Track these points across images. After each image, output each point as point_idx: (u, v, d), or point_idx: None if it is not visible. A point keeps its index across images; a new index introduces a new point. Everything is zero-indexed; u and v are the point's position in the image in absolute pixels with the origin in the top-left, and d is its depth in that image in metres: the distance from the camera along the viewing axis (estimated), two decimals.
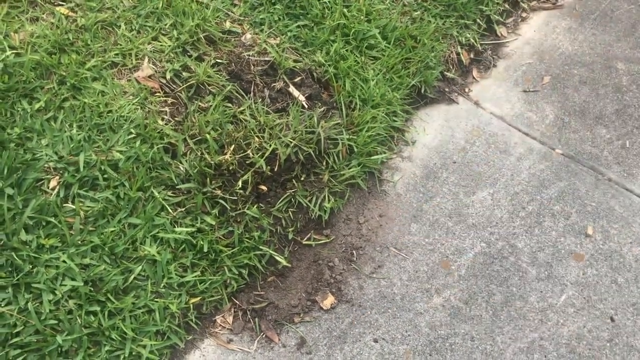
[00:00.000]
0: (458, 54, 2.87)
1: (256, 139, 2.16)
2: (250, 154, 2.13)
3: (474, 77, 2.86)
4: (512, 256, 2.23)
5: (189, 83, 2.28)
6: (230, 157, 2.10)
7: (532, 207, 2.36)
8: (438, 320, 2.06)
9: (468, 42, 2.91)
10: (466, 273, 2.18)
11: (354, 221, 2.29)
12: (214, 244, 2.01)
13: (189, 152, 2.13)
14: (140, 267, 1.89)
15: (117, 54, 2.29)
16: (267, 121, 2.22)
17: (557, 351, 2.01)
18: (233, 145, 2.13)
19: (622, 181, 2.46)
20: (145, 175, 2.02)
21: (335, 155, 2.30)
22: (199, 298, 1.96)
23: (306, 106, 2.37)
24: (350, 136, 2.35)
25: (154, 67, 2.30)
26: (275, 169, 2.17)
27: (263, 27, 2.55)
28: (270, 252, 2.09)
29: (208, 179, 2.08)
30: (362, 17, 2.64)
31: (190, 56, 2.36)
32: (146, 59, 2.31)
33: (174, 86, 2.29)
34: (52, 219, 1.88)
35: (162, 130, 2.13)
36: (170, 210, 2.00)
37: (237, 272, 2.03)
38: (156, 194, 2.01)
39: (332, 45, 2.53)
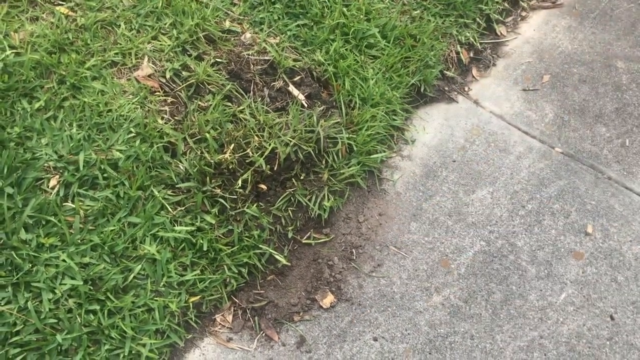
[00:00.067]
0: (458, 52, 2.87)
1: (256, 138, 2.16)
2: (250, 152, 2.13)
3: (473, 76, 2.86)
4: (511, 255, 2.23)
5: (188, 82, 2.29)
6: (229, 156, 2.10)
7: (531, 205, 2.36)
8: (438, 318, 2.06)
9: (468, 41, 2.91)
10: (466, 272, 2.18)
11: (354, 220, 2.29)
12: (213, 242, 2.01)
13: (188, 151, 2.13)
14: (140, 266, 1.90)
15: (116, 53, 2.30)
16: (266, 120, 2.22)
17: (556, 349, 2.01)
18: (233, 144, 2.13)
19: (621, 180, 2.46)
20: (145, 174, 2.03)
21: (335, 154, 2.30)
22: (198, 297, 1.96)
23: (306, 105, 2.38)
24: (350, 135, 2.35)
25: (153, 66, 2.30)
26: (275, 168, 2.17)
27: (263, 26, 2.56)
28: (270, 250, 2.09)
29: (208, 177, 2.08)
30: (361, 16, 2.64)
31: (189, 55, 2.37)
32: (146, 58, 2.31)
33: (174, 85, 2.29)
34: (52, 218, 1.88)
35: (161, 129, 2.14)
36: (170, 209, 2.01)
37: (236, 271, 2.03)
38: (156, 193, 2.01)
39: (331, 44, 2.53)
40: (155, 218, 1.97)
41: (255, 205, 2.12)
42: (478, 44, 2.93)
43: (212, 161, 2.09)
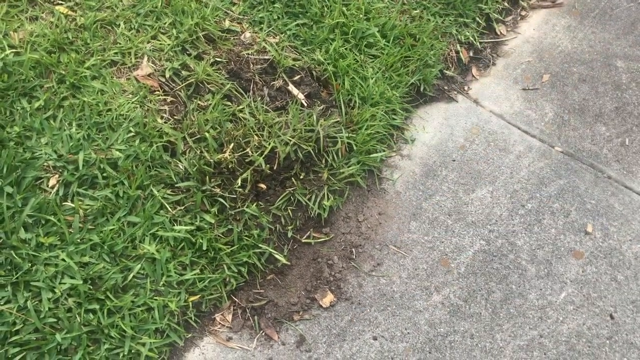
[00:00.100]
0: (457, 52, 2.87)
1: (255, 137, 2.16)
2: (250, 152, 2.13)
3: (473, 76, 2.86)
4: (511, 254, 2.23)
5: (188, 82, 2.29)
6: (229, 155, 2.10)
7: (531, 204, 2.36)
8: (437, 318, 2.06)
9: (467, 41, 2.91)
10: (465, 271, 2.18)
11: (353, 219, 2.29)
12: (213, 242, 2.01)
13: (188, 151, 2.13)
14: (140, 265, 1.90)
15: (116, 53, 2.30)
16: (266, 119, 2.22)
17: (556, 349, 2.01)
18: (232, 144, 2.13)
19: (621, 179, 2.46)
20: (145, 174, 2.02)
21: (335, 153, 2.30)
22: (198, 296, 1.96)
23: (305, 104, 2.37)
24: (350, 134, 2.35)
25: (153, 65, 2.30)
26: (275, 167, 2.17)
27: (262, 25, 2.56)
28: (270, 250, 2.09)
29: (207, 177, 2.08)
30: (361, 16, 2.64)
31: (189, 55, 2.37)
32: (145, 58, 2.31)
33: (173, 85, 2.29)
34: (52, 218, 1.88)
35: (161, 128, 2.14)
36: (169, 209, 2.01)
37: (236, 270, 2.03)
38: (155, 192, 2.01)
39: (331, 44, 2.53)
40: (154, 217, 1.97)
41: (254, 204, 2.12)
42: (478, 43, 2.93)
43: (211, 160, 2.08)
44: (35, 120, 2.04)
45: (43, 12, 2.37)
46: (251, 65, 2.39)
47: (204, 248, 1.98)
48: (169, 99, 2.25)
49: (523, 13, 3.16)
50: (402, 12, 2.79)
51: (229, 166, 2.10)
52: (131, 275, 1.88)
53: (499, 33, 3.03)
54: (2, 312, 1.72)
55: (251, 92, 2.34)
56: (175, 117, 2.21)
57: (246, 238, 2.06)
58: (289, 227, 2.18)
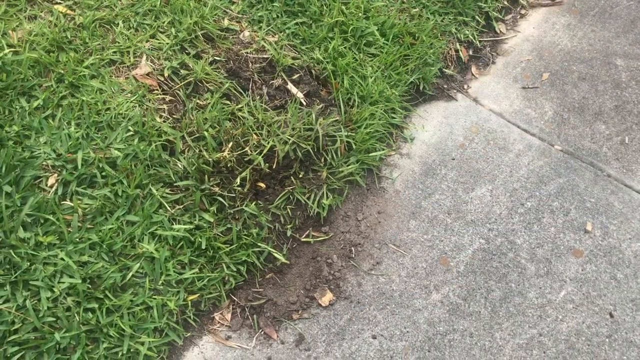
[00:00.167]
0: (457, 50, 2.87)
1: (254, 136, 2.16)
2: (249, 151, 2.13)
3: (472, 74, 2.86)
4: (511, 252, 2.22)
5: (187, 80, 2.29)
6: (228, 154, 2.10)
7: (531, 203, 2.36)
8: (437, 316, 2.06)
9: (467, 39, 2.90)
10: (465, 269, 2.17)
11: (353, 218, 2.29)
12: (212, 241, 2.01)
13: (187, 150, 2.13)
14: (139, 264, 1.89)
15: (115, 52, 2.30)
16: (265, 118, 2.22)
17: (556, 347, 2.00)
18: (231, 143, 2.13)
19: (621, 177, 2.46)
20: (144, 173, 2.02)
21: (334, 152, 2.30)
22: (197, 295, 1.96)
23: (304, 103, 2.37)
24: (349, 133, 2.34)
25: (152, 64, 2.30)
26: (274, 166, 2.17)
27: (261, 24, 2.55)
28: (269, 249, 2.09)
29: (206, 176, 2.08)
30: (360, 14, 2.63)
31: (188, 54, 2.36)
32: (144, 57, 2.31)
33: (172, 84, 2.29)
34: (50, 217, 1.88)
35: (160, 127, 2.13)
36: (168, 208, 2.00)
37: (235, 269, 2.03)
38: (154, 191, 2.01)
39: (330, 43, 2.53)
40: (153, 216, 1.97)
41: (253, 203, 2.12)
42: (477, 42, 2.92)
43: (210, 159, 2.08)
44: (34, 119, 2.04)
45: (42, 11, 2.37)
46: (250, 64, 2.39)
47: (203, 247, 1.98)
48: (168, 98, 2.25)
49: (523, 11, 3.15)
50: (402, 10, 2.79)
51: (228, 165, 2.10)
52: (130, 274, 1.88)
53: (498, 31, 3.03)
54: (1, 311, 1.72)
55: (250, 91, 2.34)
56: (174, 116, 2.21)
57: (245, 237, 2.06)
58: (288, 226, 2.18)
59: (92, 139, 2.06)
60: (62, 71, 2.17)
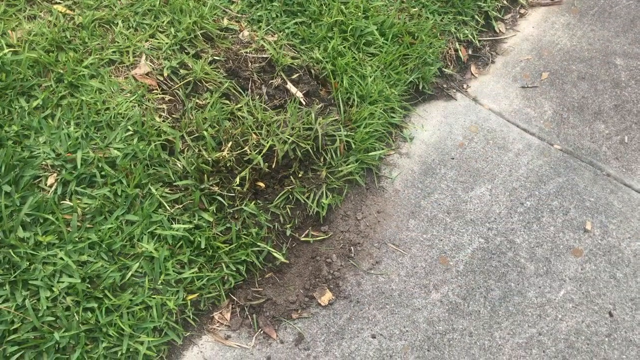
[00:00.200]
0: (456, 50, 2.87)
1: (254, 135, 2.16)
2: (248, 150, 2.13)
3: (472, 74, 2.86)
4: (510, 252, 2.22)
5: (186, 80, 2.29)
6: (227, 153, 2.10)
7: (530, 202, 2.36)
8: (436, 316, 2.06)
9: (466, 39, 2.90)
10: (464, 269, 2.18)
11: (352, 217, 2.29)
12: (211, 240, 2.01)
13: (186, 149, 2.13)
14: (138, 263, 1.89)
15: (114, 52, 2.30)
16: (264, 118, 2.22)
17: (555, 346, 2.00)
18: (230, 142, 2.13)
19: (620, 176, 2.46)
20: (143, 172, 2.02)
21: (333, 151, 2.30)
22: (196, 294, 1.96)
23: (304, 103, 2.37)
24: (348, 133, 2.35)
25: (151, 64, 2.30)
26: (273, 166, 2.17)
27: (261, 24, 2.56)
28: (268, 248, 2.09)
29: (205, 175, 2.08)
30: (359, 14, 2.63)
31: (187, 53, 2.37)
32: (143, 57, 2.31)
33: (172, 83, 2.29)
34: (50, 216, 1.88)
35: (159, 127, 2.14)
36: (167, 207, 2.01)
37: (234, 269, 2.03)
38: (154, 190, 2.01)
39: (329, 42, 2.53)
40: (152, 216, 1.97)
41: (253, 203, 2.12)
42: (477, 42, 2.92)
43: (209, 159, 2.08)
44: (34, 119, 2.04)
45: (41, 11, 2.37)
46: (249, 64, 2.39)
47: (203, 246, 1.98)
48: (167, 97, 2.25)
49: (522, 11, 3.15)
50: (401, 10, 2.79)
51: (228, 165, 2.10)
52: (129, 274, 1.88)
53: (498, 31, 3.03)
54: (1, 311, 1.73)
55: (249, 90, 2.34)
56: (173, 115, 2.21)
57: (244, 236, 2.06)
58: (288, 226, 2.18)
59: (91, 139, 2.06)
60: (61, 71, 2.18)
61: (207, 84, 2.30)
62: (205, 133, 2.12)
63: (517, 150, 2.53)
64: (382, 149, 2.45)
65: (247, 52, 2.41)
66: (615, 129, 2.62)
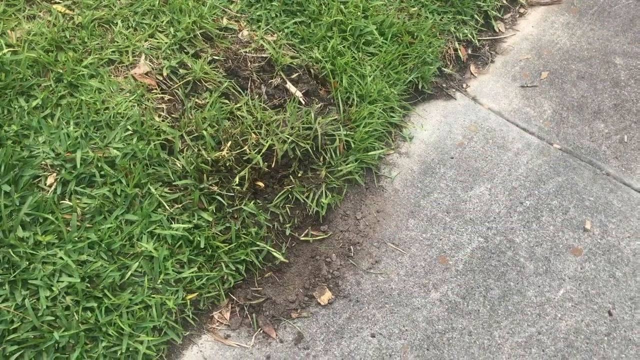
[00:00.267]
0: (456, 49, 2.87)
1: (253, 135, 2.16)
2: (247, 150, 2.13)
3: (471, 73, 2.86)
4: (509, 251, 2.22)
5: (185, 80, 2.29)
6: (227, 153, 2.10)
7: (530, 202, 2.36)
8: (435, 315, 2.06)
9: (466, 38, 2.90)
10: (464, 268, 2.18)
11: (352, 217, 2.29)
12: (211, 240, 2.01)
13: (185, 149, 2.13)
14: (137, 263, 1.90)
15: (114, 52, 2.30)
16: (264, 117, 2.22)
17: (554, 345, 2.01)
18: (230, 142, 2.13)
19: (620, 175, 2.46)
20: (142, 172, 2.03)
21: (333, 151, 2.30)
22: (196, 294, 1.96)
23: (303, 102, 2.37)
24: (348, 132, 2.35)
25: (150, 64, 2.30)
26: (273, 165, 2.17)
27: (260, 23, 2.56)
28: (268, 248, 2.09)
29: (205, 175, 2.08)
30: (359, 14, 2.63)
31: (187, 53, 2.37)
32: (143, 56, 2.31)
33: (171, 83, 2.29)
34: (49, 216, 1.88)
35: (159, 127, 2.14)
36: (167, 207, 2.01)
37: (234, 268, 2.03)
38: (153, 190, 2.01)
39: (329, 42, 2.53)
40: (152, 215, 1.97)
41: (252, 202, 2.12)
42: (476, 41, 2.92)
43: (209, 158, 2.09)
44: (33, 118, 2.04)
45: (40, 11, 2.37)
46: (249, 64, 2.39)
47: (202, 246, 1.98)
48: (167, 97, 2.26)
49: (522, 10, 3.15)
50: (400, 9, 2.79)
51: (227, 164, 2.10)
52: (129, 273, 1.88)
53: (497, 30, 3.03)
54: (0, 310, 1.73)
55: (249, 90, 2.34)
56: (172, 115, 2.21)
57: (244, 236, 2.06)
58: (287, 225, 2.18)
59: (90, 139, 2.06)
60: (60, 71, 2.18)
61: (206, 84, 2.30)
62: (204, 132, 2.12)
63: (516, 150, 2.53)
64: (382, 148, 2.45)
65: (246, 52, 2.41)
66: (614, 128, 2.62)
